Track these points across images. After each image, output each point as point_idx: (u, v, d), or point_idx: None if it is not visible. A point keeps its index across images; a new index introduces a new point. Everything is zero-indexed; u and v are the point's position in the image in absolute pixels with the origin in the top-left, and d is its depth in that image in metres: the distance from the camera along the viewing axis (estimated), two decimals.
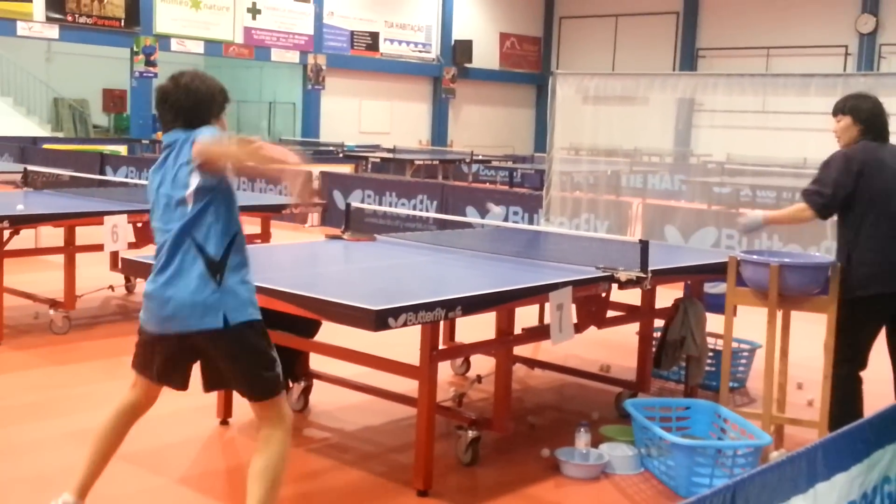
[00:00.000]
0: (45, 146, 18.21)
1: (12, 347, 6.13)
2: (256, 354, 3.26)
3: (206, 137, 3.13)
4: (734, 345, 5.28)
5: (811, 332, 4.79)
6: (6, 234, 6.31)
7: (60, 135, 23.08)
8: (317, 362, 5.15)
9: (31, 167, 9.15)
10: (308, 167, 3.51)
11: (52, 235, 7.48)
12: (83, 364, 5.63)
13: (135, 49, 21.94)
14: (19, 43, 21.50)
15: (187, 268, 3.18)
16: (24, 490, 4.01)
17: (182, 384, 3.46)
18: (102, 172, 14.59)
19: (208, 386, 3.46)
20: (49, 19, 20.49)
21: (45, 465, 4.25)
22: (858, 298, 4.40)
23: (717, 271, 5.18)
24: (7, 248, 6.37)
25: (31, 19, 20.30)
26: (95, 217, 6.48)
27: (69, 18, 20.76)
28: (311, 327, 4.86)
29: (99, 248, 6.59)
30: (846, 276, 4.43)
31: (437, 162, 19.55)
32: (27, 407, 4.98)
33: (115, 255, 7.47)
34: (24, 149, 16.68)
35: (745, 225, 4.90)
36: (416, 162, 18.67)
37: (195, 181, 3.16)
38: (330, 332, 4.69)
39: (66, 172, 10.59)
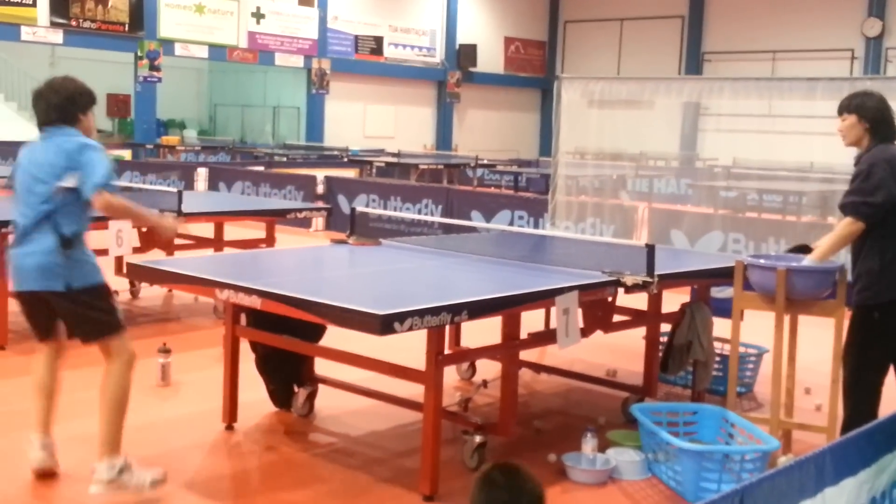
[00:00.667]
0: None
1: (17, 352, 6.12)
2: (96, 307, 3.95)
3: (105, 202, 3.84)
4: (741, 349, 5.25)
5: (819, 337, 4.77)
6: (9, 239, 6.30)
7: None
8: (322, 367, 5.14)
9: None
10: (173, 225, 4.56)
11: None
12: (87, 369, 5.59)
13: (139, 54, 21.98)
14: (23, 48, 21.55)
15: (40, 241, 3.89)
16: (28, 494, 4.00)
17: (46, 335, 4.17)
18: None
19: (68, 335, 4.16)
20: (53, 24, 20.53)
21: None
22: (891, 302, 4.32)
23: (723, 275, 5.17)
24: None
25: (36, 24, 20.34)
26: (100, 222, 6.45)
27: (73, 23, 20.80)
28: (316, 332, 4.85)
29: (104, 252, 6.56)
30: (875, 281, 4.29)
31: (442, 166, 19.54)
32: (32, 412, 4.97)
33: (119, 259, 7.47)
34: None
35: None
36: (421, 166, 18.66)
37: (71, 182, 3.85)
38: (335, 337, 4.68)
39: None
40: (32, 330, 4.18)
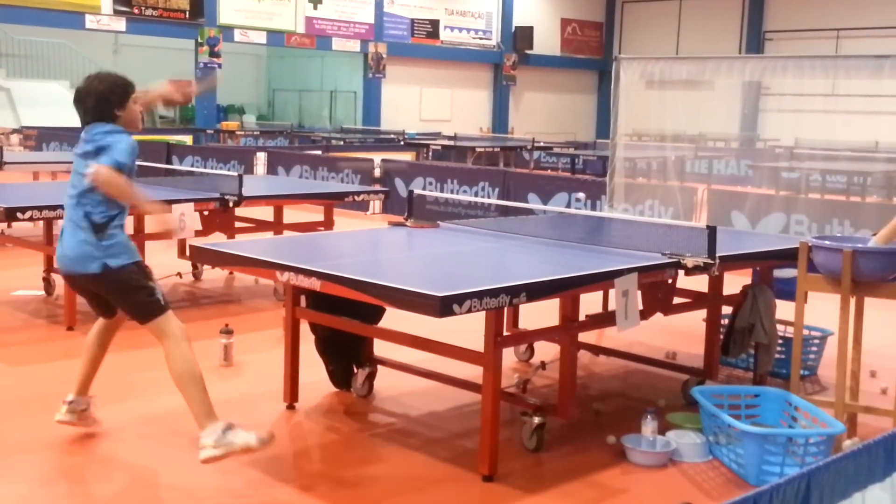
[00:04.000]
0: None
1: (85, 332, 6.21)
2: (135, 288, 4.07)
3: (102, 173, 3.92)
4: (805, 332, 5.17)
5: (885, 319, 4.67)
6: None
7: None
8: (381, 348, 5.18)
9: None
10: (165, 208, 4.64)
11: None
12: (153, 349, 5.70)
13: (199, 40, 22.27)
14: (88, 36, 21.97)
15: (75, 228, 4.05)
16: (96, 472, 4.11)
17: (105, 313, 4.36)
18: (169, 162, 14.85)
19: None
20: (116, 12, 20.89)
21: (115, 448, 4.35)
22: None
23: (786, 257, 5.08)
24: None
25: (99, 12, 20.72)
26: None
27: (136, 11, 21.13)
28: (375, 314, 4.88)
29: (167, 235, 6.69)
30: None
31: (499, 149, 19.50)
32: (99, 390, 5.08)
33: (182, 242, 7.61)
34: None
35: None
36: (478, 149, 18.64)
37: (93, 168, 3.96)
38: (394, 319, 4.72)
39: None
40: (92, 309, 4.39)
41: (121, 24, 21.12)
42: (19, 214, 6.12)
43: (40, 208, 6.12)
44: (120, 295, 4.10)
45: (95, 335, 4.40)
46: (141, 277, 4.09)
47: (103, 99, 4.08)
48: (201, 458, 3.88)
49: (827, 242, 4.55)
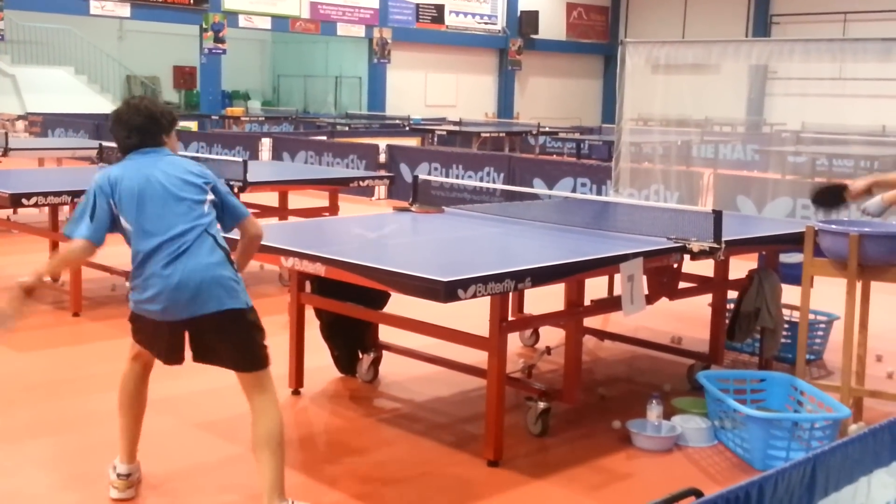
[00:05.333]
0: None
1: (91, 318, 6.29)
2: (260, 330, 3.51)
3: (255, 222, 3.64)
4: (811, 316, 5.16)
5: (891, 303, 4.66)
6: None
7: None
8: (386, 333, 5.18)
9: (105, 143, 9.34)
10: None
11: None
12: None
13: (204, 26, 22.23)
14: (93, 21, 21.94)
15: (211, 254, 3.42)
16: (102, 456, 4.11)
17: (180, 360, 3.59)
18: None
19: (200, 359, 3.55)
20: None
21: None
22: None
23: (792, 241, 5.07)
24: None
25: None
26: None
27: None
28: (380, 299, 4.88)
29: None
30: None
31: (504, 134, 19.45)
32: (105, 376, 5.10)
33: None
34: (99, 125, 17.04)
35: (869, 212, 4.72)
36: (483, 134, 18.60)
37: (210, 196, 3.51)
38: (399, 304, 4.71)
39: None
40: (160, 355, 3.59)
41: (125, 9, 21.08)
42: (24, 201, 6.12)
43: (45, 194, 6.13)
44: (242, 338, 3.45)
45: (134, 390, 3.69)
46: (258, 319, 3.54)
47: (154, 120, 3.57)
48: None
49: (833, 227, 4.53)
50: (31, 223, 7.97)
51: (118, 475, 3.67)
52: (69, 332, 6.05)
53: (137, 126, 3.54)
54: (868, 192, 4.81)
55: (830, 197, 4.91)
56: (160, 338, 3.51)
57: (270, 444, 3.41)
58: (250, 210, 3.84)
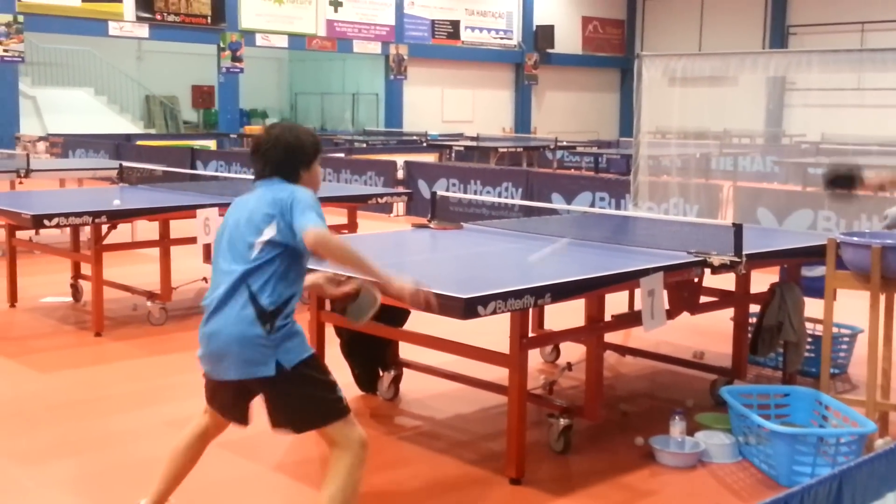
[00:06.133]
0: (138, 143, 18.74)
1: (113, 338, 6.32)
2: (315, 385, 3.22)
3: (313, 233, 3.11)
4: (834, 330, 5.11)
5: None
6: (104, 228, 6.51)
7: (152, 131, 23.75)
8: (406, 351, 5.17)
9: (125, 163, 9.41)
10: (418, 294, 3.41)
11: (147, 229, 7.68)
12: (180, 354, 5.77)
13: (221, 45, 22.40)
14: (111, 43, 22.15)
15: (239, 314, 3.13)
16: (124, 477, 4.12)
17: (243, 421, 3.43)
18: (193, 167, 14.94)
19: (273, 424, 3.31)
20: (139, 19, 21.06)
21: (144, 452, 4.36)
22: None
23: (814, 254, 5.03)
24: (105, 242, 6.57)
25: (122, 19, 20.89)
26: (188, 210, 6.62)
27: (158, 17, 21.29)
28: (400, 316, 4.87)
29: (192, 240, 6.72)
30: None
31: (521, 149, 19.46)
32: (127, 396, 5.13)
33: (207, 247, 7.63)
34: (119, 145, 17.19)
35: (891, 221, 4.69)
36: (500, 149, 18.61)
37: (270, 233, 3.14)
38: (419, 321, 4.71)
39: (158, 168, 10.87)
40: (224, 416, 3.47)
41: (143, 30, 21.28)
42: (46, 221, 6.16)
43: (67, 215, 6.17)
44: (293, 399, 3.19)
45: (189, 445, 3.50)
46: (320, 372, 3.26)
47: (292, 152, 3.31)
48: None
49: (855, 239, 4.49)
50: (52, 244, 8.03)
51: None
52: (91, 352, 6.08)
53: (274, 160, 3.29)
54: (882, 188, 4.79)
55: (844, 182, 4.85)
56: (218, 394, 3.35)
57: (327, 500, 3.21)
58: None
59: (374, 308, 3.43)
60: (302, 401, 3.19)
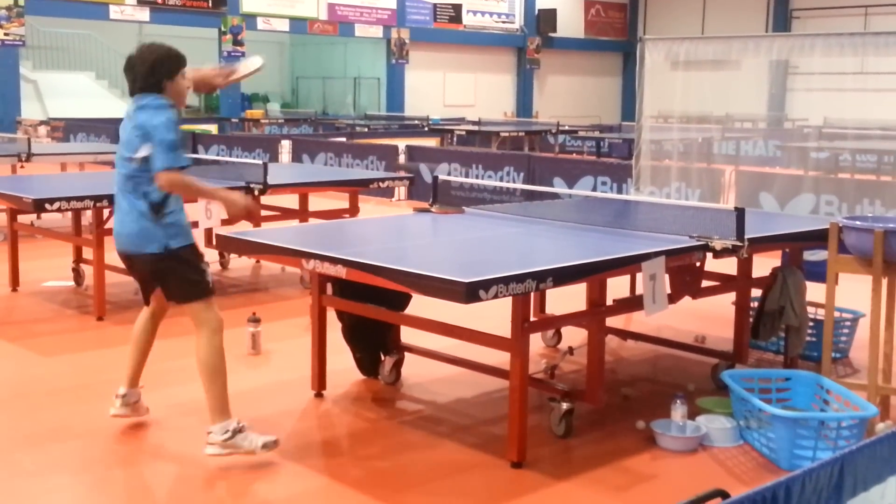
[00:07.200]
0: None
1: (114, 322, 6.33)
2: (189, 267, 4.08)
3: (164, 176, 3.95)
4: (836, 314, 5.11)
5: None
6: (105, 212, 6.50)
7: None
8: (408, 335, 5.17)
9: None
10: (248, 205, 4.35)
11: None
12: (182, 338, 5.74)
13: (222, 29, 22.33)
14: (112, 26, 22.07)
15: (131, 207, 4.03)
16: (127, 461, 4.14)
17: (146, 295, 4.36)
18: (195, 151, 14.91)
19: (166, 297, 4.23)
20: (140, 2, 20.99)
21: (146, 436, 4.38)
22: None
23: (817, 238, 5.02)
24: (107, 226, 6.56)
25: (123, 3, 20.82)
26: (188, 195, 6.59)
27: (159, 1, 21.21)
28: (401, 301, 4.88)
29: (193, 225, 6.68)
30: None
31: (523, 133, 19.41)
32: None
33: (209, 231, 7.63)
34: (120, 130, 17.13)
35: None
36: (502, 134, 18.57)
37: (144, 151, 3.97)
38: (420, 306, 4.71)
39: None
40: (142, 293, 4.38)
41: (144, 14, 21.21)
42: (47, 206, 6.16)
43: (68, 199, 6.17)
44: (171, 275, 4.07)
45: (142, 326, 4.39)
46: (195, 258, 4.11)
47: (154, 68, 4.05)
48: (206, 452, 3.99)
49: (858, 223, 4.49)
50: (54, 228, 8.02)
51: (116, 395, 4.35)
52: (93, 336, 6.09)
53: (140, 74, 4.07)
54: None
55: None
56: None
57: (200, 370, 4.03)
58: (271, 212, 3.98)
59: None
60: (177, 277, 4.06)
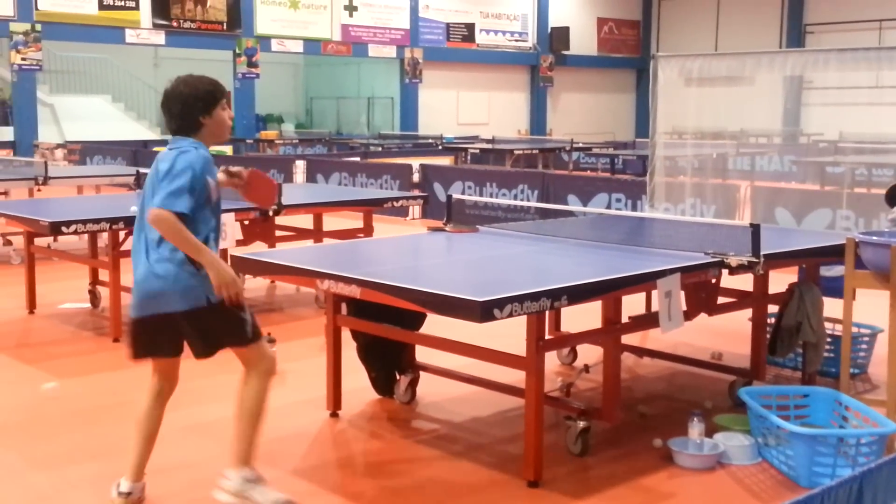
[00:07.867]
0: (155, 149, 18.81)
1: None
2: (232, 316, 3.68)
3: (156, 212, 3.54)
4: (854, 330, 5.07)
5: None
6: (122, 235, 6.54)
7: (169, 138, 23.85)
8: (423, 354, 5.17)
9: (142, 170, 9.46)
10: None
11: None
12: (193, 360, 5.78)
13: (237, 51, 22.51)
14: (129, 50, 22.29)
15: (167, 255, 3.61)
16: (152, 480, 4.13)
17: (176, 351, 3.82)
18: None
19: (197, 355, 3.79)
20: (155, 26, 21.19)
21: (163, 457, 4.37)
22: None
23: (833, 254, 5.00)
24: (123, 248, 6.59)
25: (139, 26, 21.03)
26: None
27: (174, 24, 21.42)
28: (416, 320, 4.87)
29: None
30: None
31: (537, 151, 19.44)
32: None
33: (223, 252, 7.66)
34: (136, 152, 17.28)
35: None
36: (516, 152, 18.60)
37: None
38: (435, 325, 4.70)
39: None
40: (154, 353, 3.83)
41: (160, 37, 21.41)
42: (64, 228, 6.20)
43: (84, 222, 6.20)
44: (222, 324, 3.66)
45: (148, 408, 3.86)
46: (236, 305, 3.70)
47: (188, 105, 3.70)
48: (217, 497, 3.73)
49: (874, 238, 4.46)
50: (70, 251, 8.07)
51: (119, 493, 3.75)
52: (109, 357, 6.11)
53: (176, 113, 3.72)
54: None
55: None
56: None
57: (241, 412, 3.73)
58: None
59: None
60: (232, 324, 3.66)
